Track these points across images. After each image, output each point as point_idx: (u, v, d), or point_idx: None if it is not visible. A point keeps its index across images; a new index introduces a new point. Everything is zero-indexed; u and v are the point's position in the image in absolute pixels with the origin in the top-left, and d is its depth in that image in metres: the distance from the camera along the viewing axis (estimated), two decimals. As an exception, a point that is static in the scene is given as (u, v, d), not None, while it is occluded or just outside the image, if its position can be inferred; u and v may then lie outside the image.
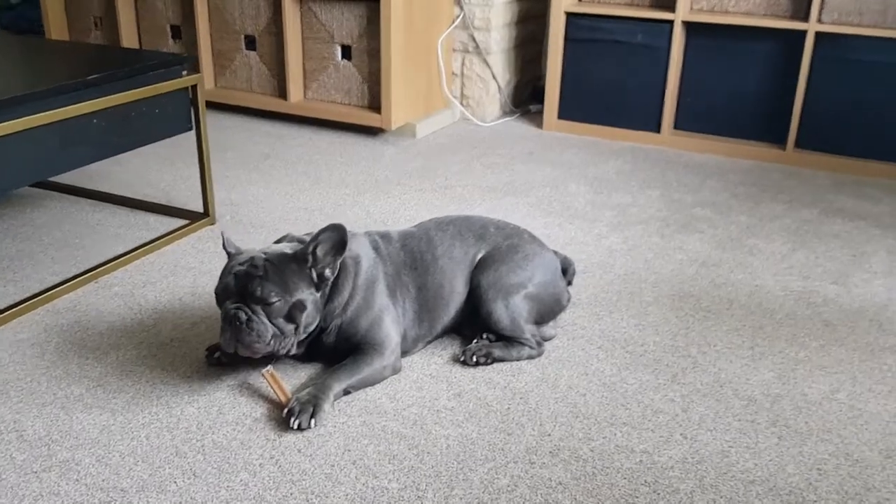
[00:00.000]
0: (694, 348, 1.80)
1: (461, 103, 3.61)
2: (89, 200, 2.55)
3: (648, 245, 2.34)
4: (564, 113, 3.48)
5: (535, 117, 3.62)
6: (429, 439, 1.46)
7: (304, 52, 3.39)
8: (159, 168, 2.86)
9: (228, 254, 1.59)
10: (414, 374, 1.67)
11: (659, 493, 1.35)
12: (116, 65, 2.06)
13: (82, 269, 2.03)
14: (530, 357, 1.73)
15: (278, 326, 1.51)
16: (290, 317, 1.52)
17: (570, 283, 1.88)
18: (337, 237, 1.55)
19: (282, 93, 3.46)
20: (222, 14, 3.49)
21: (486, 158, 3.09)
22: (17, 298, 1.89)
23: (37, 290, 1.93)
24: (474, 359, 1.70)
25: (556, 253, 1.88)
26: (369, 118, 3.27)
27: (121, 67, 2.03)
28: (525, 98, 3.84)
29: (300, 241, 1.61)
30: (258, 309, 1.49)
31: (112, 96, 1.97)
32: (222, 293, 1.53)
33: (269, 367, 1.57)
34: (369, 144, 3.22)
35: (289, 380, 1.63)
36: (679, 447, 1.46)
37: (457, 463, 1.40)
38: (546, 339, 1.80)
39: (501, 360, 1.72)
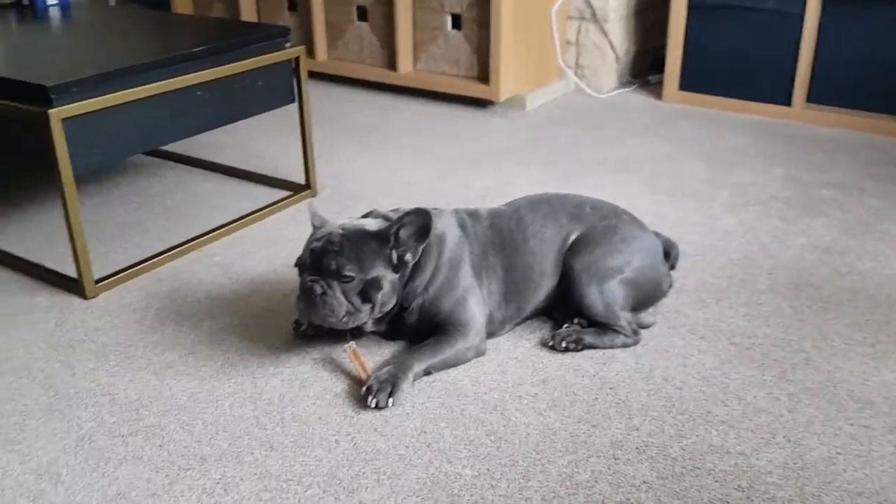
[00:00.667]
0: (808, 343, 1.65)
1: (575, 73, 3.48)
2: (200, 170, 2.62)
3: (767, 228, 2.18)
4: (686, 84, 3.29)
5: (655, 88, 3.45)
6: (508, 426, 1.41)
7: (414, 22, 3.35)
8: (268, 139, 2.91)
9: (314, 227, 1.58)
10: (499, 356, 1.62)
11: (753, 500, 1.24)
12: (221, 38, 2.09)
13: (186, 238, 2.09)
14: (624, 345, 1.64)
15: (352, 303, 1.49)
16: (365, 295, 1.50)
17: (672, 268, 1.77)
18: (421, 222, 1.51)
19: (391, 64, 3.45)
20: (336, -15, 3.50)
21: (597, 132, 2.97)
22: (125, 265, 1.97)
23: (143, 258, 2.00)
24: (563, 344, 1.62)
25: (657, 235, 1.77)
26: (477, 90, 3.20)
27: (225, 40, 2.06)
28: (645, 68, 3.66)
29: (385, 217, 1.59)
30: (334, 283, 1.48)
31: (216, 69, 2.00)
32: (300, 266, 1.53)
33: (352, 344, 1.56)
34: (477, 116, 3.16)
35: (371, 357, 1.61)
36: (780, 451, 1.35)
37: (535, 453, 1.35)
38: (643, 327, 1.70)
39: (593, 346, 1.63)
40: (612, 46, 3.41)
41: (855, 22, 2.87)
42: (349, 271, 1.47)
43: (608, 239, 1.66)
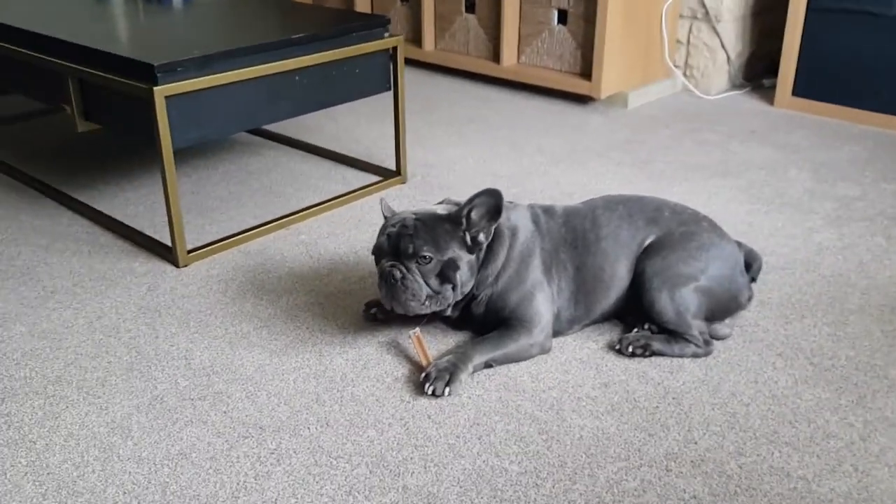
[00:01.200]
0: (894, 370, 1.56)
1: (684, 73, 3.38)
2: (299, 151, 2.71)
3: (868, 245, 2.06)
4: (800, 89, 3.14)
5: (768, 93, 3.31)
6: (562, 427, 1.40)
7: (520, 15, 3.34)
8: (368, 125, 2.98)
9: (385, 218, 1.61)
10: (563, 356, 1.61)
11: (807, 529, 1.19)
12: (322, 26, 2.16)
13: (277, 216, 2.17)
14: (695, 355, 1.60)
15: (431, 287, 1.52)
16: (444, 276, 1.52)
17: (753, 280, 1.70)
18: (492, 202, 1.52)
19: (496, 56, 3.45)
20: (446, -24, 3.53)
21: (699, 134, 2.88)
22: (217, 237, 2.07)
23: (234, 232, 2.09)
24: (630, 349, 1.60)
25: (740, 245, 1.71)
26: (578, 85, 3.16)
27: (325, 29, 2.12)
28: (760, 71, 3.51)
29: (457, 205, 1.60)
30: (412, 267, 1.51)
31: (314, 55, 2.06)
32: (378, 253, 1.56)
33: (417, 330, 1.58)
34: (576, 113, 3.12)
35: (436, 345, 1.64)
36: (846, 480, 1.28)
37: (586, 456, 1.34)
38: (718, 339, 1.65)
39: (661, 354, 1.60)
40: (723, 47, 3.29)
41: None
42: (427, 252, 1.50)
43: (684, 245, 1.62)
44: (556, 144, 2.78)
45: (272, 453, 1.34)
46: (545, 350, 1.60)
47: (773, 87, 3.24)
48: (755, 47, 3.46)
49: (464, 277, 1.54)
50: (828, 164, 2.60)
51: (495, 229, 1.58)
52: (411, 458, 1.33)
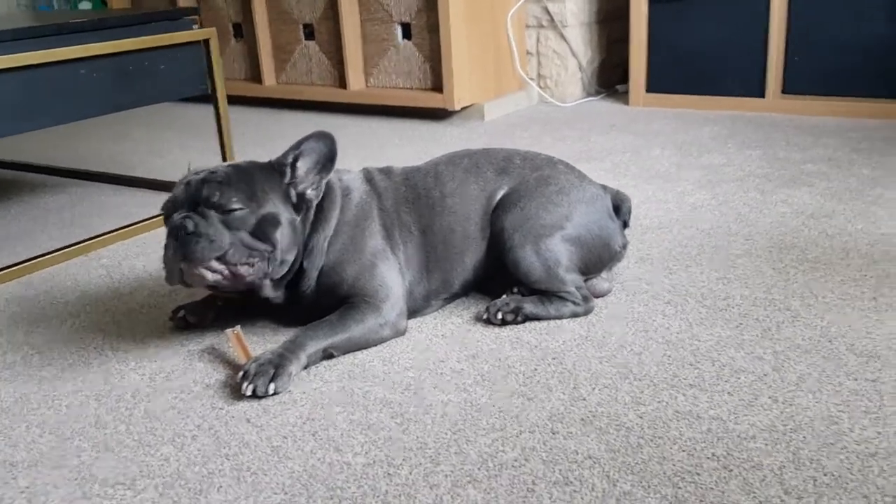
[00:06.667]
0: (796, 301, 1.36)
1: (538, 84, 3.26)
2: (113, 185, 2.37)
3: (744, 200, 1.90)
4: (654, 85, 3.07)
5: (623, 97, 3.22)
6: (421, 406, 1.10)
7: (363, 35, 3.15)
8: (200, 158, 2.66)
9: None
10: (421, 334, 1.32)
11: (732, 470, 0.93)
12: (115, 16, 1.86)
13: (74, 242, 1.81)
14: (574, 315, 1.35)
15: (243, 241, 1.17)
16: (260, 232, 1.19)
17: (626, 225, 1.48)
18: (324, 149, 1.24)
19: (342, 82, 3.23)
20: (279, 4, 3.32)
21: (559, 132, 2.73)
22: (-4, 270, 1.69)
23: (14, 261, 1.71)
24: (500, 316, 1.33)
25: (605, 188, 1.48)
26: (431, 99, 2.97)
27: (114, 15, 1.83)
28: (613, 79, 3.44)
29: None
30: (211, 214, 1.17)
31: (99, 44, 1.75)
32: (169, 207, 1.22)
33: (237, 327, 1.26)
34: (433, 128, 2.92)
35: (263, 346, 1.31)
36: (766, 413, 1.04)
37: (451, 433, 1.04)
38: (597, 296, 1.41)
39: (536, 317, 1.34)
40: (573, 53, 3.20)
41: (828, 3, 2.65)
42: (237, 202, 1.17)
43: (542, 191, 1.38)
44: (410, 155, 2.55)
45: (22, 493, 0.97)
46: (399, 331, 1.31)
47: (628, 92, 3.15)
48: (605, 54, 3.39)
49: (285, 240, 1.23)
50: (690, 142, 2.48)
51: (326, 188, 1.29)
52: (219, 471, 0.99)
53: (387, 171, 1.43)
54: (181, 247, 1.14)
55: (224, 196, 1.17)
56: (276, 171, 1.24)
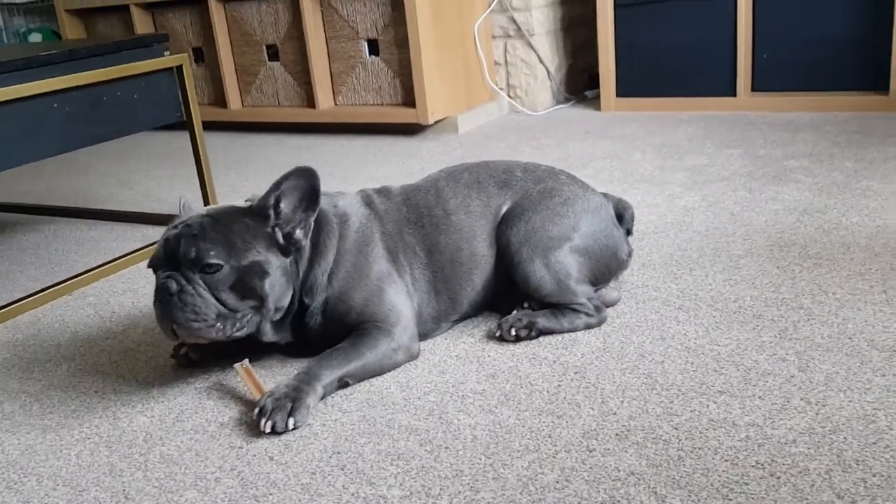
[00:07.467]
0: (806, 299, 1.36)
1: (508, 94, 3.25)
2: (87, 220, 2.29)
3: (734, 200, 1.91)
4: (624, 89, 3.08)
5: (593, 102, 3.24)
6: (449, 431, 1.07)
7: (329, 53, 3.12)
8: (170, 186, 2.60)
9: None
10: (435, 357, 1.29)
11: (780, 478, 0.91)
12: (85, 46, 1.80)
13: (56, 282, 1.74)
14: (588, 326, 1.33)
15: (225, 302, 1.15)
16: (245, 287, 1.16)
17: (629, 233, 1.46)
18: (306, 185, 1.20)
19: (310, 102, 3.19)
20: (241, 25, 3.27)
21: (535, 141, 2.72)
22: (-23, 317, 1.61)
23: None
24: (513, 332, 1.30)
25: (606, 196, 1.47)
26: (404, 114, 2.94)
27: (85, 45, 1.77)
28: (581, 86, 3.45)
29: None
30: (195, 278, 1.14)
31: (72, 76, 1.69)
32: (154, 264, 1.19)
33: (245, 361, 1.21)
34: (407, 143, 2.89)
35: (273, 378, 1.27)
36: (801, 416, 1.03)
37: (485, 458, 1.01)
38: (608, 305, 1.39)
39: (549, 331, 1.31)
40: (541, 62, 3.20)
41: (790, 1, 2.69)
42: (214, 258, 1.13)
43: (546, 203, 1.36)
44: (389, 171, 2.52)
45: (42, 553, 0.92)
46: (413, 355, 1.27)
47: (597, 97, 3.16)
48: (572, 61, 3.40)
49: (275, 288, 1.19)
50: (668, 144, 2.49)
51: (319, 219, 1.25)
52: (250, 514, 0.95)
53: (385, 192, 1.39)
54: (168, 311, 1.12)
55: (201, 252, 1.13)
56: (258, 216, 1.19)
